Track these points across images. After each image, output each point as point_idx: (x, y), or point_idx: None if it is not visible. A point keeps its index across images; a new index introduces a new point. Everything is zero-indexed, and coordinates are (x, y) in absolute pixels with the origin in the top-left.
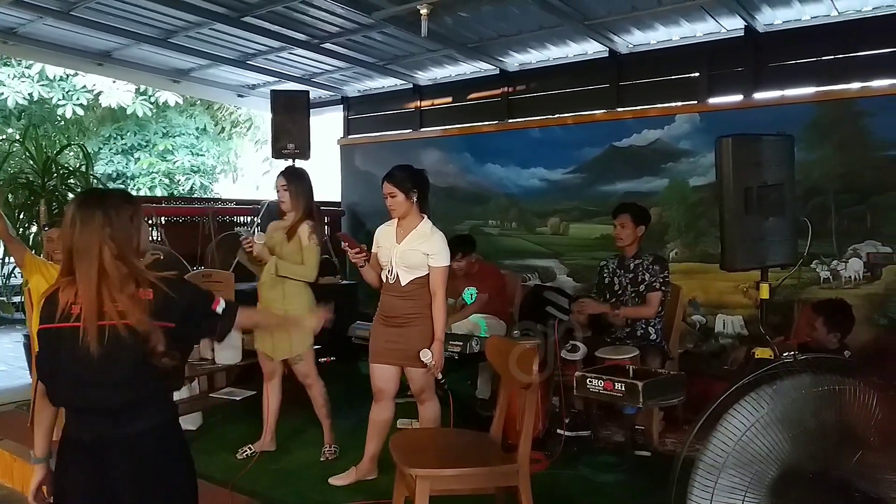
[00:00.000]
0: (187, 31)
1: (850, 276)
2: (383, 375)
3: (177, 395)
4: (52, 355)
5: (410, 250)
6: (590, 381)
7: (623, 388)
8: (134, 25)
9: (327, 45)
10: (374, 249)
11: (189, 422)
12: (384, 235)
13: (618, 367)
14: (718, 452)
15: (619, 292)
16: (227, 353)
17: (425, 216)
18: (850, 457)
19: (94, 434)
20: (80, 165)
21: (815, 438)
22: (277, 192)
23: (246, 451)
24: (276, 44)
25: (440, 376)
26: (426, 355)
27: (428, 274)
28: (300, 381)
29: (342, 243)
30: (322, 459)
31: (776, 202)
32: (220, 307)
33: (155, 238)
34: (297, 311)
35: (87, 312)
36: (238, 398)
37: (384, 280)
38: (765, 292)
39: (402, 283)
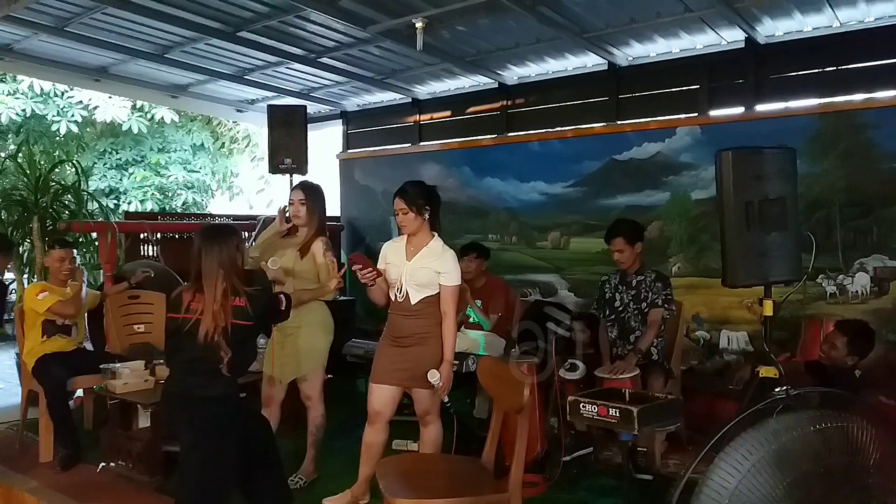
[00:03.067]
0: (183, 46)
1: (857, 291)
2: (383, 397)
3: None
4: (174, 334)
5: (421, 268)
6: (583, 406)
7: (618, 414)
8: (129, 41)
9: (324, 60)
10: (380, 266)
11: None
12: (393, 252)
13: (614, 391)
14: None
15: (620, 309)
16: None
17: (436, 234)
18: (850, 499)
19: (182, 389)
20: (74, 182)
21: (811, 482)
22: (292, 205)
23: None
24: (272, 58)
25: (446, 399)
26: (434, 376)
27: (437, 293)
28: (302, 400)
29: (353, 265)
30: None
31: (778, 216)
32: (283, 305)
33: (150, 254)
34: (311, 328)
35: (205, 311)
36: None
37: (392, 298)
38: (768, 309)
39: (412, 302)
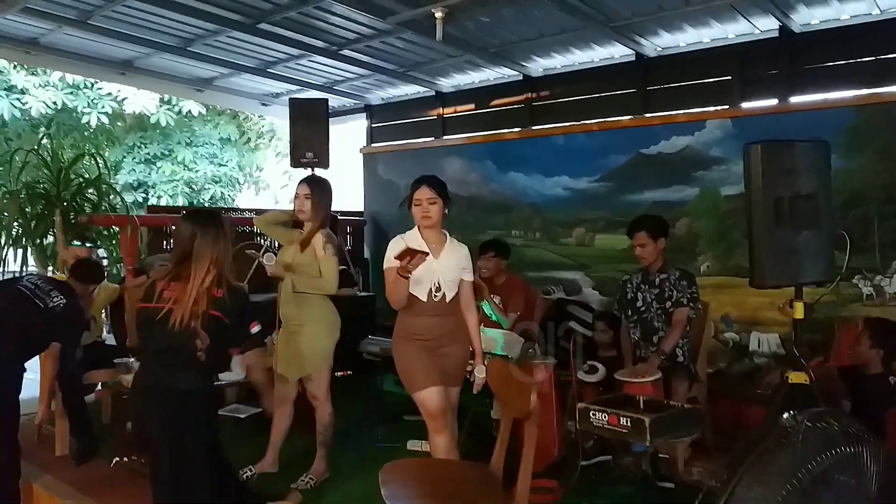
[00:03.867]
0: (205, 38)
1: (895, 292)
2: (440, 398)
3: None
4: (145, 324)
5: (451, 266)
6: (593, 414)
7: (629, 424)
8: (151, 34)
9: (346, 52)
10: (392, 263)
11: None
12: (417, 249)
13: (629, 398)
14: None
15: (643, 309)
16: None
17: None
18: None
19: (154, 381)
20: (98, 175)
21: None
22: (297, 198)
23: (246, 472)
24: (294, 51)
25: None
26: (482, 371)
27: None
28: (309, 399)
29: (405, 258)
30: (293, 486)
31: (810, 213)
32: (255, 329)
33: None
34: (314, 325)
35: (186, 294)
36: (243, 416)
37: (422, 299)
38: (799, 311)
39: (447, 301)
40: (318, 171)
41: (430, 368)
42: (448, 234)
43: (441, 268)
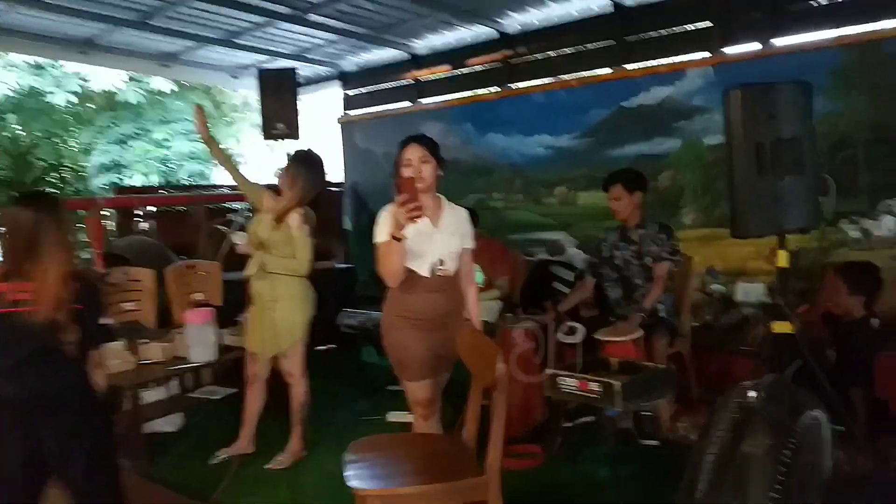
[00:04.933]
0: (165, 10)
1: (883, 235)
2: (431, 388)
3: (153, 396)
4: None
5: (453, 235)
6: (561, 381)
7: (599, 389)
8: (109, 9)
9: (314, 17)
10: (386, 238)
11: (168, 423)
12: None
13: (600, 361)
14: None
15: (622, 266)
16: (200, 350)
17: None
18: None
19: (30, 394)
20: (62, 160)
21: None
22: (282, 175)
23: (221, 455)
24: (259, 19)
25: None
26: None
27: None
28: (284, 377)
29: (402, 193)
30: (267, 466)
31: (793, 159)
32: (105, 321)
33: (145, 229)
34: (287, 301)
35: (40, 298)
36: (218, 397)
37: (420, 274)
38: (783, 260)
39: (451, 275)
40: (291, 143)
41: (425, 358)
42: (444, 198)
43: (443, 237)
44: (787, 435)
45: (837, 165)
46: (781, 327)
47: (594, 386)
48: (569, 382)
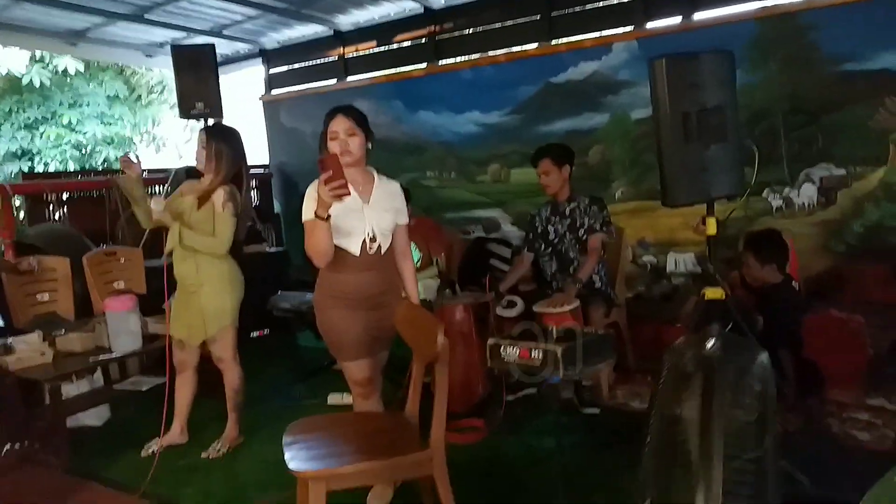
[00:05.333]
0: None
1: (803, 203)
2: (370, 366)
3: (76, 390)
4: None
5: (385, 211)
6: (504, 350)
7: (540, 356)
8: None
9: None
10: (313, 215)
11: (93, 417)
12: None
13: (540, 331)
14: None
15: (556, 241)
16: (123, 339)
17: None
18: None
19: None
20: None
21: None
22: (197, 150)
23: (151, 446)
24: None
25: None
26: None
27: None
28: (214, 363)
29: (324, 171)
30: (203, 456)
31: (718, 127)
32: None
33: (55, 218)
34: (214, 284)
35: None
36: (145, 388)
37: (350, 252)
38: (712, 227)
39: (383, 253)
40: (212, 122)
41: (360, 337)
42: (376, 172)
43: (374, 213)
44: (749, 379)
45: (757, 136)
46: (713, 293)
47: (536, 353)
48: (510, 351)
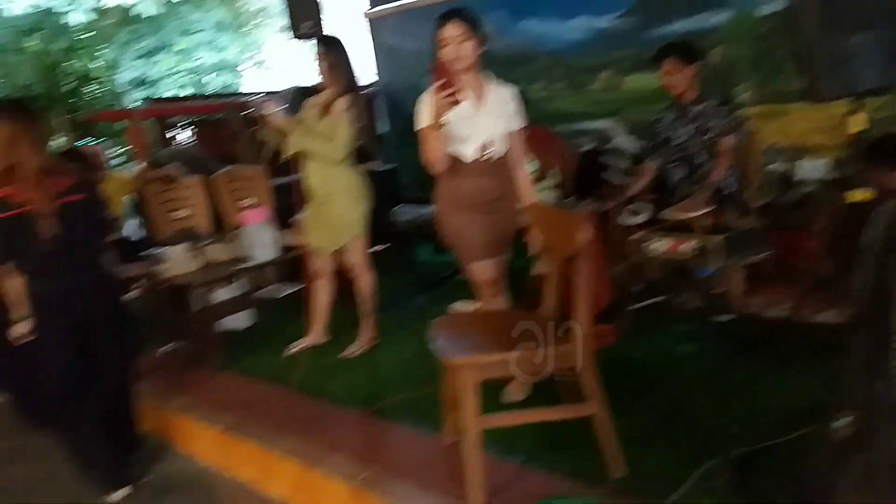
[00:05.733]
0: None
1: None
2: (493, 267)
3: (222, 296)
4: (7, 236)
5: (499, 116)
6: (650, 244)
7: (695, 247)
8: None
9: None
10: (426, 124)
11: (239, 321)
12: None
13: (680, 225)
14: None
15: (683, 146)
16: (260, 249)
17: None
18: None
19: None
20: (90, 76)
21: None
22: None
23: (295, 347)
24: None
25: None
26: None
27: None
28: (348, 271)
29: (437, 80)
30: (341, 356)
31: (860, 12)
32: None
33: (183, 141)
34: (343, 195)
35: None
36: (282, 295)
37: (471, 158)
38: (861, 122)
39: (497, 158)
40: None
41: (484, 238)
42: (490, 77)
43: (488, 119)
44: None
45: None
46: (859, 195)
47: (687, 246)
48: (658, 245)
